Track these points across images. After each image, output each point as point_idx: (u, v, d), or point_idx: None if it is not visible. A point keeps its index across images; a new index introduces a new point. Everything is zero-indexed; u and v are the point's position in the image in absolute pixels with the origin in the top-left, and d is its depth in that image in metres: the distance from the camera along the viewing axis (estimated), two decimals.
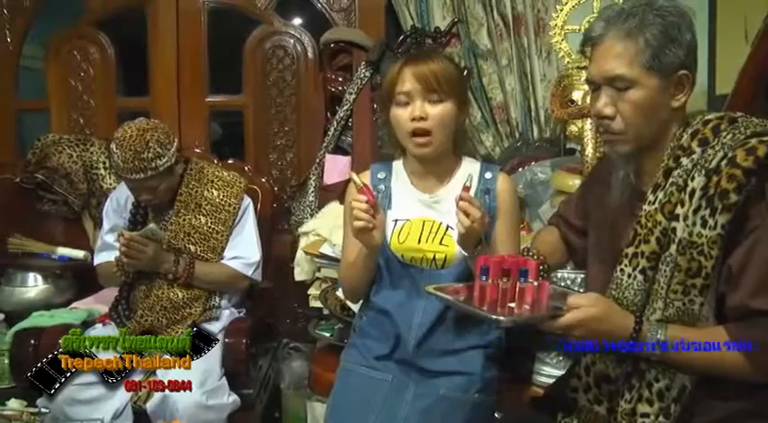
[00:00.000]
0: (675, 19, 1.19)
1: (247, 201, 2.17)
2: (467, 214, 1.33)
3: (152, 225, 1.97)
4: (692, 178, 1.17)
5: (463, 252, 1.42)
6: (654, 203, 1.22)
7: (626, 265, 1.24)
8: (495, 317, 1.21)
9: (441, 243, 1.48)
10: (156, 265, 1.97)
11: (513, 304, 1.24)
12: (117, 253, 1.96)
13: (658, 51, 1.18)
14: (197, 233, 2.04)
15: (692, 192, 1.17)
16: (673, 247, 1.18)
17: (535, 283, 1.23)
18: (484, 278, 1.25)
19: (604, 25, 1.22)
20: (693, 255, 1.16)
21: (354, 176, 1.41)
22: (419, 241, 1.49)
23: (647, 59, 1.18)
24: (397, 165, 1.59)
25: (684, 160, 1.19)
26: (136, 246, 1.90)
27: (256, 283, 2.18)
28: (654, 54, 1.18)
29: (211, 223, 2.06)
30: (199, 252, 2.04)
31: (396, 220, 1.52)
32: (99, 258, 2.14)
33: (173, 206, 2.06)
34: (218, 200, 2.08)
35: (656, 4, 1.20)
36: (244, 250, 2.10)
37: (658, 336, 1.17)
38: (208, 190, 2.08)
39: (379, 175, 1.58)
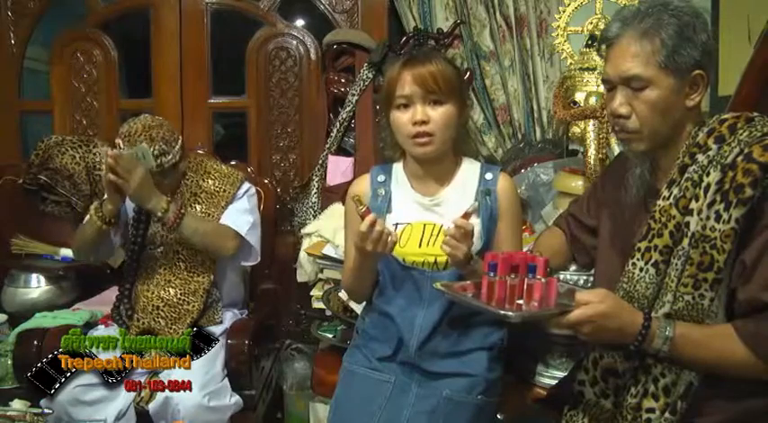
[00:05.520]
0: (690, 19, 1.20)
1: (248, 186, 2.13)
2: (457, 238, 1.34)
3: (144, 144, 1.86)
4: (708, 173, 1.18)
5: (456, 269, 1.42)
6: (668, 199, 1.23)
7: (638, 259, 1.25)
8: (503, 312, 1.20)
9: (442, 249, 1.47)
10: (145, 195, 1.83)
11: (521, 301, 1.24)
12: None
13: (673, 51, 1.19)
14: None
15: (707, 186, 1.18)
16: (685, 241, 1.19)
17: (543, 280, 1.23)
18: (492, 274, 1.24)
19: (620, 25, 1.24)
20: (706, 248, 1.16)
21: (356, 197, 1.41)
22: (420, 245, 1.49)
23: (663, 59, 1.19)
24: (397, 167, 1.59)
25: (700, 157, 1.20)
26: (124, 163, 1.77)
27: (255, 258, 2.09)
28: (669, 54, 1.19)
29: (205, 209, 2.03)
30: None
31: (396, 224, 1.51)
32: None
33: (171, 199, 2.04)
34: (213, 188, 2.06)
35: (672, 4, 1.21)
36: (236, 214, 2.04)
37: (667, 332, 1.17)
38: (204, 180, 2.07)
39: (378, 178, 1.57)
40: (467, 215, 1.37)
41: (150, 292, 1.99)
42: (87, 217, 1.96)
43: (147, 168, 1.83)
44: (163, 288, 1.99)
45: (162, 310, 1.97)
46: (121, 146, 1.89)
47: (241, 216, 2.05)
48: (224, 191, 2.07)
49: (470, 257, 1.38)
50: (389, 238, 1.39)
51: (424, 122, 1.44)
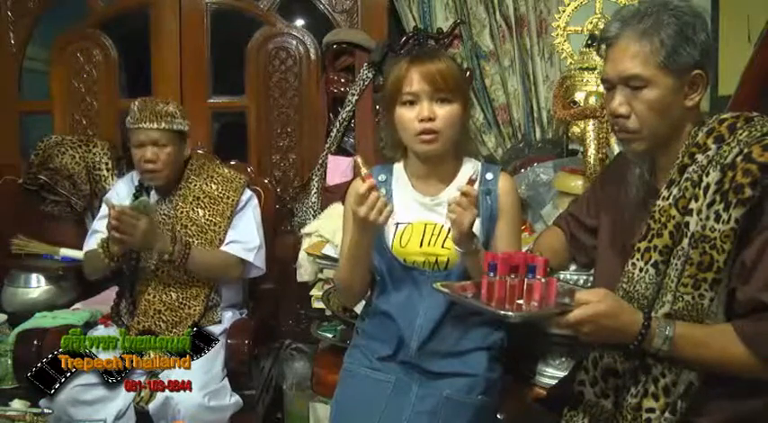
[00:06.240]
0: (690, 19, 1.20)
1: (249, 194, 2.15)
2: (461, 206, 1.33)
3: (144, 197, 1.92)
4: (707, 173, 1.18)
5: (458, 249, 1.41)
6: (668, 199, 1.22)
7: (638, 259, 1.25)
8: (503, 312, 1.20)
9: (443, 246, 1.48)
10: (150, 242, 1.88)
11: (520, 301, 1.24)
12: (104, 233, 1.88)
13: (673, 51, 1.19)
14: (194, 226, 2.02)
15: (707, 186, 1.17)
16: (685, 241, 1.19)
17: (543, 280, 1.23)
18: (491, 274, 1.24)
19: (620, 25, 1.24)
20: (705, 249, 1.16)
21: (359, 160, 1.40)
22: (421, 245, 1.49)
23: (662, 59, 1.19)
24: (398, 167, 1.59)
25: (699, 156, 1.20)
26: (127, 219, 1.80)
27: (260, 272, 2.14)
28: (668, 54, 1.19)
29: (209, 216, 2.04)
30: (196, 244, 2.01)
31: (397, 224, 1.51)
32: (87, 245, 2.08)
33: (171, 200, 2.05)
34: (216, 193, 2.07)
35: (671, 4, 1.21)
36: (242, 235, 2.07)
37: (667, 332, 1.17)
38: (207, 184, 2.08)
39: (379, 178, 1.57)
40: (471, 182, 1.36)
41: (151, 295, 1.99)
42: (93, 245, 1.99)
43: (149, 217, 1.87)
44: (164, 292, 2.00)
45: (163, 314, 1.98)
46: (136, 104, 1.98)
47: (247, 237, 2.08)
48: (227, 197, 2.08)
49: (473, 235, 1.38)
50: (386, 208, 1.37)
51: (430, 119, 1.43)
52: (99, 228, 2.03)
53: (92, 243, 2.04)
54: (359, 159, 1.40)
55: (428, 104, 1.44)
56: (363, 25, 2.73)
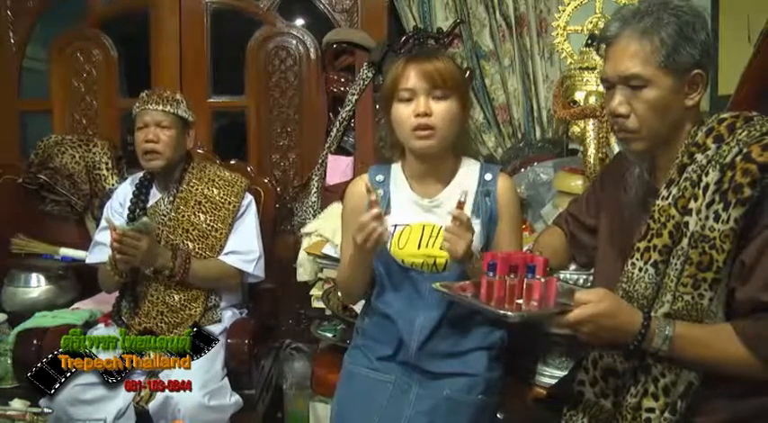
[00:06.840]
0: (690, 18, 1.20)
1: (249, 198, 2.16)
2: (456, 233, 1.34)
3: (145, 218, 1.94)
4: (707, 173, 1.18)
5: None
6: (667, 198, 1.23)
7: (637, 259, 1.25)
8: (502, 312, 1.20)
9: (441, 247, 1.47)
10: (151, 260, 1.92)
11: (520, 300, 1.24)
12: (109, 251, 1.91)
13: (673, 51, 1.18)
14: (195, 230, 2.03)
15: (706, 186, 1.17)
16: (685, 241, 1.19)
17: (543, 280, 1.23)
18: (491, 274, 1.24)
19: (620, 25, 1.24)
20: (705, 248, 1.16)
21: (369, 184, 1.42)
22: (419, 246, 1.48)
23: (662, 59, 1.19)
24: (396, 168, 1.58)
25: (699, 156, 1.20)
26: (129, 240, 1.83)
27: (258, 279, 2.16)
28: (668, 53, 1.19)
29: (210, 221, 2.05)
30: (197, 249, 2.02)
31: (395, 225, 1.51)
32: (91, 257, 2.11)
33: (172, 202, 2.06)
34: (218, 198, 2.08)
35: (672, 3, 1.21)
36: (242, 245, 2.08)
37: (666, 331, 1.17)
38: (208, 188, 2.08)
39: (377, 178, 1.57)
40: (460, 205, 1.36)
41: (154, 296, 2.00)
42: (96, 257, 2.06)
43: (150, 237, 1.89)
44: (166, 293, 2.00)
45: (165, 315, 1.99)
46: (145, 92, 2.05)
47: (247, 247, 2.09)
48: (229, 203, 2.08)
49: (471, 254, 1.38)
50: (383, 236, 1.39)
51: (426, 114, 1.43)
52: (101, 239, 2.06)
53: (95, 255, 2.08)
54: (369, 184, 1.42)
55: (424, 100, 1.43)
56: (363, 25, 2.73)
